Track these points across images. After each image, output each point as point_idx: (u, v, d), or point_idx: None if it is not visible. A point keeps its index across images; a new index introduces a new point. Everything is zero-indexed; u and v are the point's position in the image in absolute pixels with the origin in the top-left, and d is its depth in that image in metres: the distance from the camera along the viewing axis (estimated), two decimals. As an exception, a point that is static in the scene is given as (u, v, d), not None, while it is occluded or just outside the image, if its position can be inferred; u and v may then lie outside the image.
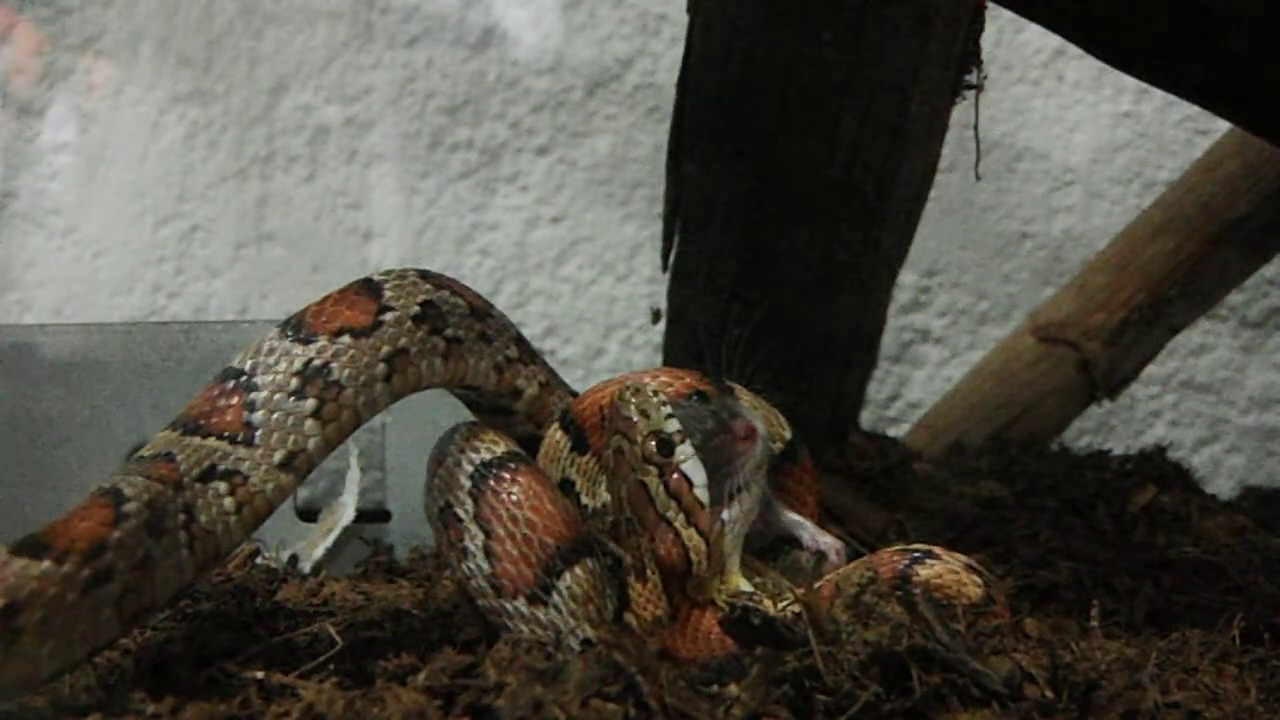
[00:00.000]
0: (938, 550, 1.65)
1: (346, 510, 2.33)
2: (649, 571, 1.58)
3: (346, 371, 1.60)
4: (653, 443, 1.61)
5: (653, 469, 1.61)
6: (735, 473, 1.67)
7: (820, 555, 1.72)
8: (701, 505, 1.61)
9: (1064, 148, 3.56)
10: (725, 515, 1.64)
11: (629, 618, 1.56)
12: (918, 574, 1.61)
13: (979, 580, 1.61)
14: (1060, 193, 3.57)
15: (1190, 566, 2.21)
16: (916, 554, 1.64)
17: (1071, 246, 3.55)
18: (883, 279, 2.72)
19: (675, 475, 1.61)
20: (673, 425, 1.62)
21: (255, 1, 3.41)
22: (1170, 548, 2.31)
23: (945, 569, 1.62)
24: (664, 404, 1.64)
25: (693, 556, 1.59)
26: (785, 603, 1.58)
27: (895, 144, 2.45)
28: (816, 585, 1.59)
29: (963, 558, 1.65)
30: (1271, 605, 1.96)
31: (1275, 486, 3.41)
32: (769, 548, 1.79)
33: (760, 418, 1.72)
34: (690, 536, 1.59)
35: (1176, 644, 1.67)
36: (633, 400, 1.64)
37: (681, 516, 1.60)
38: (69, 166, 3.43)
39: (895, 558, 1.65)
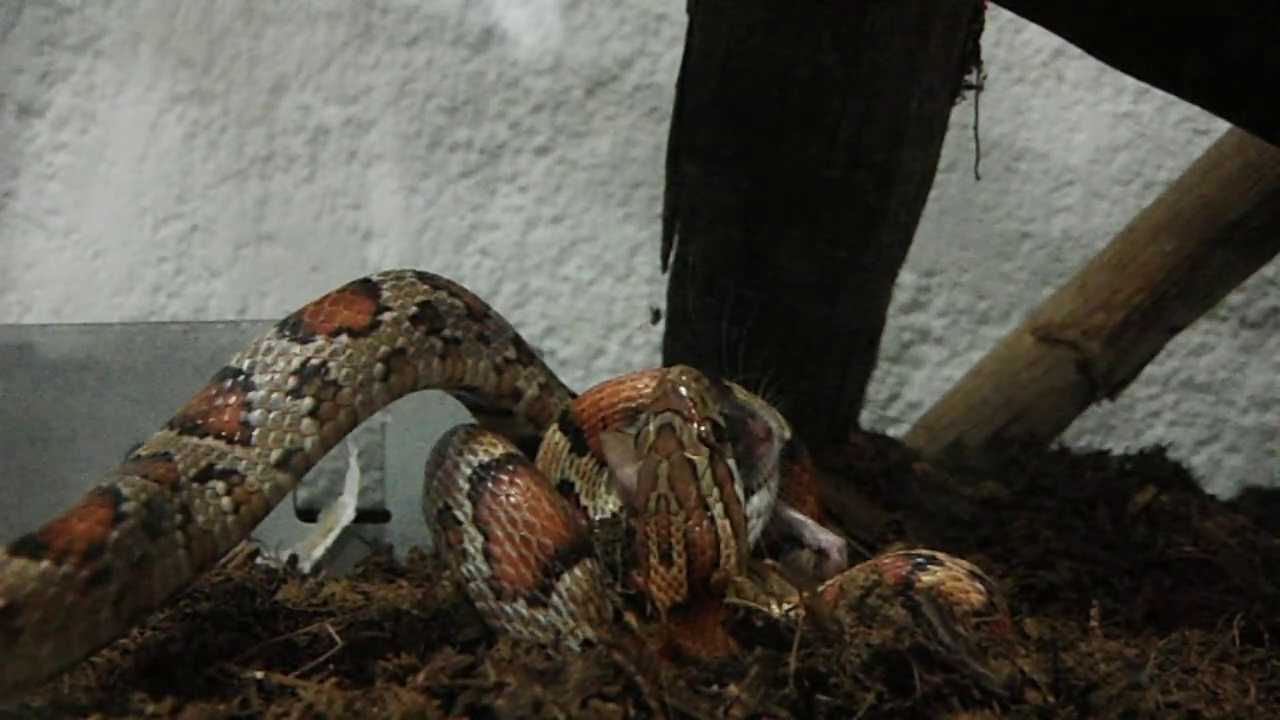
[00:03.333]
0: (941, 556, 1.65)
1: (346, 510, 2.33)
2: (675, 555, 1.56)
3: (344, 371, 1.60)
4: (707, 426, 1.61)
5: (705, 450, 1.60)
6: (756, 474, 1.67)
7: (821, 553, 1.73)
8: (738, 500, 1.60)
9: (1064, 148, 3.56)
10: (747, 510, 1.63)
11: (653, 590, 1.54)
12: (921, 580, 1.61)
13: (981, 587, 1.61)
14: (1060, 193, 3.57)
15: (1190, 566, 2.21)
16: (920, 560, 1.65)
17: (1071, 246, 3.55)
18: (883, 279, 2.71)
19: (724, 465, 1.61)
20: (721, 419, 1.64)
21: (255, 1, 3.41)
22: (1170, 548, 2.31)
23: (948, 575, 1.62)
24: (716, 396, 1.65)
25: (723, 549, 1.57)
26: (790, 606, 1.58)
27: (895, 144, 2.44)
28: (821, 588, 1.59)
29: (966, 564, 1.65)
30: (1271, 605, 1.96)
31: (1275, 486, 3.41)
32: (770, 548, 1.79)
33: (773, 418, 1.73)
34: (724, 528, 1.57)
35: (1176, 644, 1.67)
36: (693, 382, 1.64)
37: (720, 506, 1.58)
38: (69, 166, 3.43)
39: (899, 563, 1.65)
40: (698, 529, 1.56)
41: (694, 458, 1.59)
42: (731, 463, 1.62)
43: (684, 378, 1.66)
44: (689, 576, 1.56)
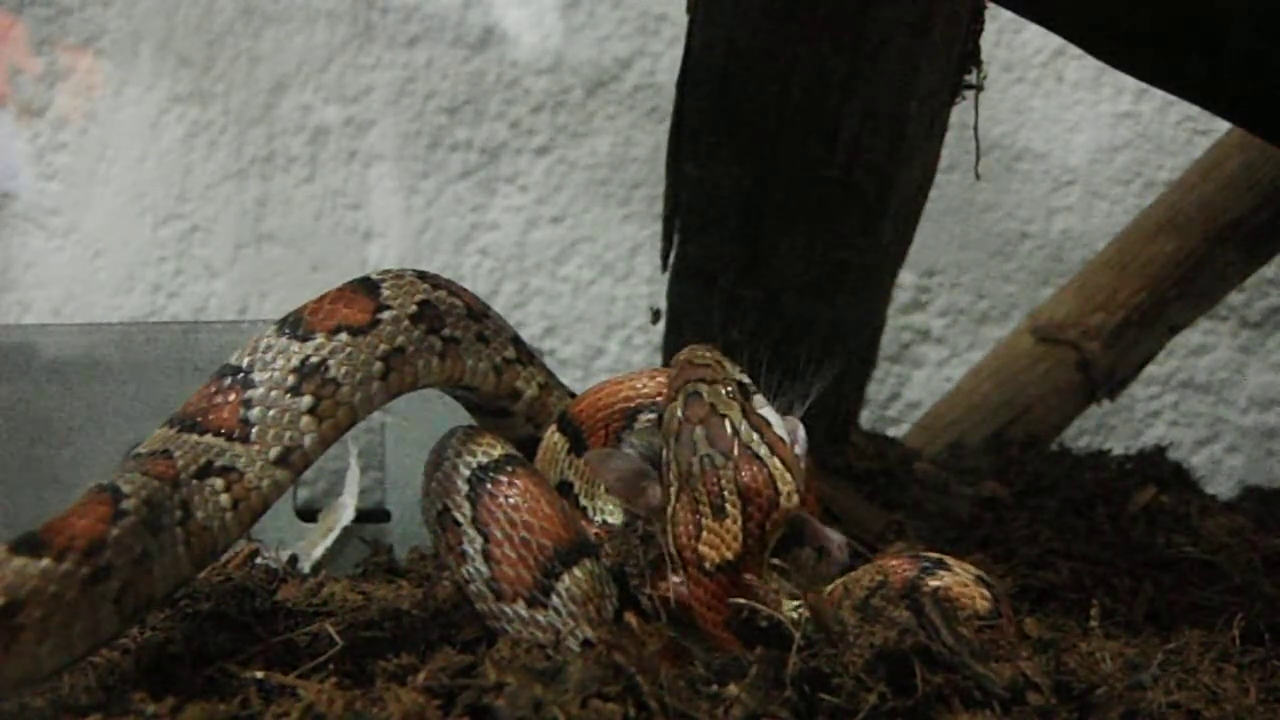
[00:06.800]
0: (949, 560, 1.65)
1: (346, 510, 2.32)
2: (729, 506, 1.54)
3: (343, 369, 1.60)
4: (733, 386, 1.64)
5: (736, 405, 1.61)
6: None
7: (823, 551, 1.72)
8: (782, 440, 1.60)
9: (1064, 148, 3.56)
10: (798, 448, 1.63)
11: (703, 549, 1.54)
12: (927, 584, 1.61)
13: (988, 593, 1.61)
14: (1060, 193, 3.57)
15: (1190, 566, 2.21)
16: (927, 564, 1.64)
17: (1071, 246, 3.55)
18: (883, 279, 2.72)
19: (757, 415, 1.62)
20: (745, 378, 1.67)
21: (255, 1, 3.41)
22: (1170, 548, 2.31)
23: (955, 580, 1.62)
24: (732, 363, 1.70)
25: (780, 486, 1.56)
26: (795, 603, 1.57)
27: (895, 144, 2.45)
28: (828, 589, 1.58)
29: (973, 569, 1.65)
30: (1271, 605, 1.96)
31: (1275, 486, 3.41)
32: (771, 549, 1.79)
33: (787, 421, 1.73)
34: (775, 464, 1.57)
35: (1176, 644, 1.67)
36: (708, 353, 1.68)
37: (765, 448, 1.58)
38: (69, 166, 3.43)
39: (906, 566, 1.65)
40: (747, 473, 1.56)
41: (727, 414, 1.60)
42: (766, 411, 1.63)
43: (697, 350, 1.69)
44: (744, 525, 1.54)
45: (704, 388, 1.63)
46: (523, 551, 1.57)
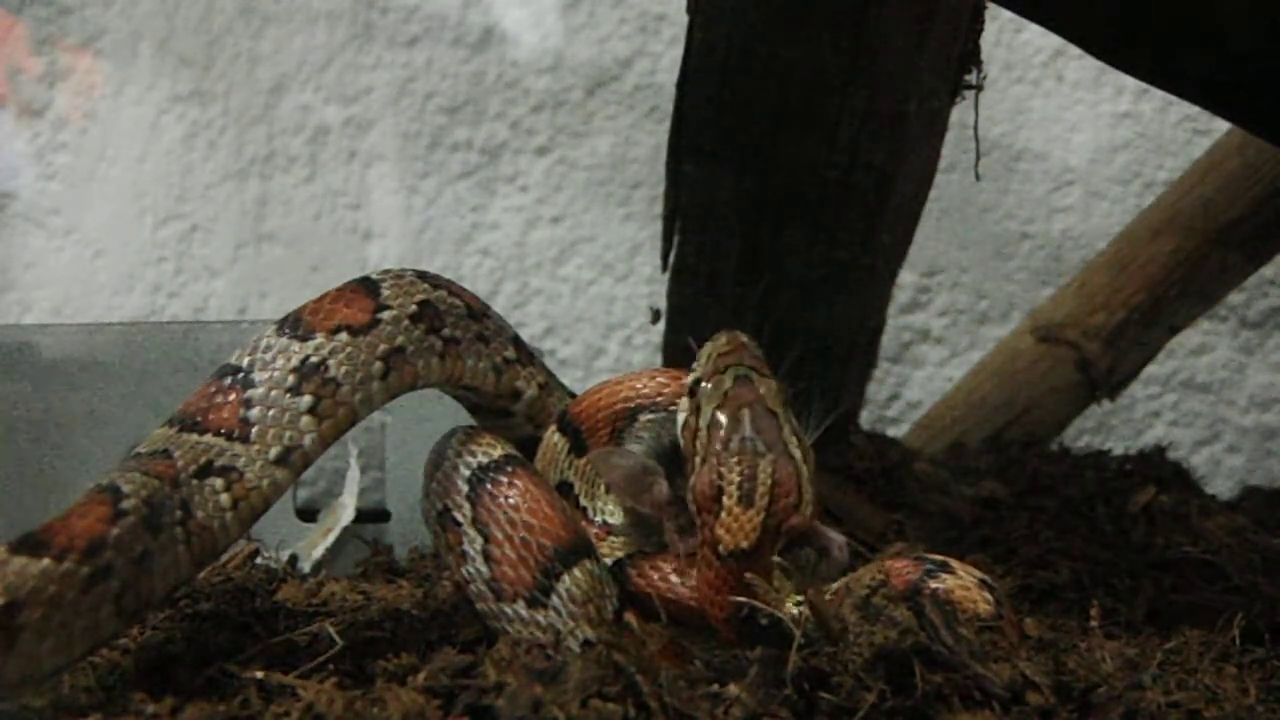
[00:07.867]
0: (953, 563, 1.65)
1: (346, 510, 2.32)
2: (758, 497, 1.54)
3: (343, 369, 1.60)
4: (779, 386, 1.64)
5: (781, 404, 1.62)
6: None
7: (823, 550, 1.72)
8: (811, 454, 1.62)
9: (1064, 148, 3.56)
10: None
11: (719, 533, 1.54)
12: (930, 587, 1.61)
13: (990, 597, 1.61)
14: (1060, 193, 3.57)
15: (1190, 566, 2.21)
16: (931, 566, 1.64)
17: (1071, 246, 3.55)
18: (883, 279, 2.71)
19: (794, 420, 1.63)
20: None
21: (255, 1, 3.41)
22: (1170, 548, 2.31)
23: (958, 583, 1.62)
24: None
25: (804, 494, 1.57)
26: (796, 600, 1.58)
27: (895, 144, 2.45)
28: (833, 587, 1.59)
29: (976, 572, 1.65)
30: (1271, 605, 1.96)
31: (1275, 486, 3.41)
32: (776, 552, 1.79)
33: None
34: (804, 473, 1.58)
35: (1176, 644, 1.67)
36: (757, 346, 1.69)
37: (800, 453, 1.59)
38: (69, 166, 3.43)
39: (909, 567, 1.65)
40: (783, 471, 1.56)
41: (775, 409, 1.60)
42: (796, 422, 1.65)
43: (749, 340, 1.70)
44: (765, 520, 1.53)
45: (756, 376, 1.63)
46: (523, 551, 1.57)
